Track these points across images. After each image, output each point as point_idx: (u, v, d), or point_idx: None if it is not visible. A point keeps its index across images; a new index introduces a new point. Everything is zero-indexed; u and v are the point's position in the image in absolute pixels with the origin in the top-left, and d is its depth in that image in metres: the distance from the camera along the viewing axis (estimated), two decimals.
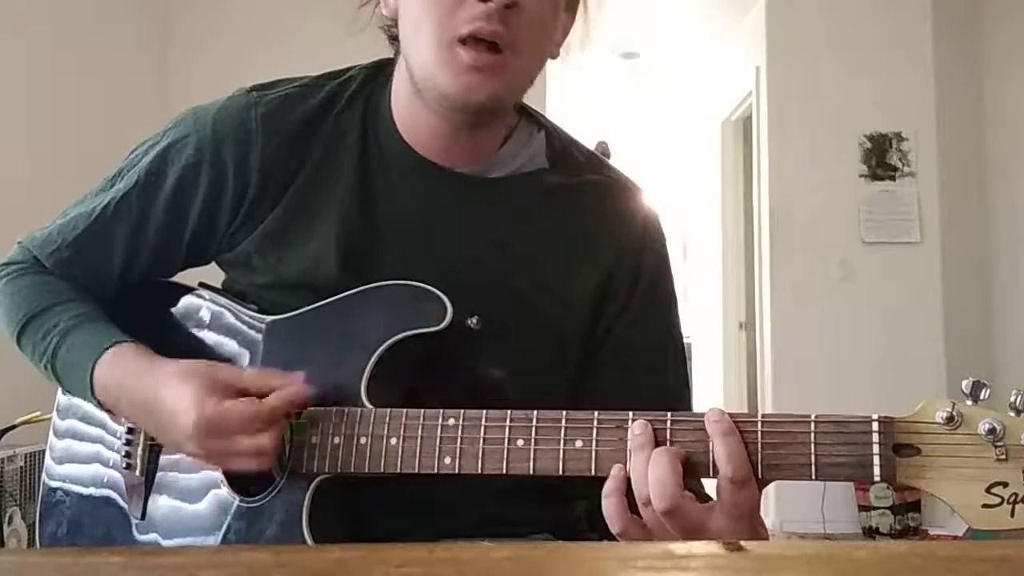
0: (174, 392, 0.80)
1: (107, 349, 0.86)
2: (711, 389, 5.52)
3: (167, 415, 0.80)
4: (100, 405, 0.88)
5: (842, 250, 4.08)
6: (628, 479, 0.69)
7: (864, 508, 3.93)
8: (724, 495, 0.67)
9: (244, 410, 0.78)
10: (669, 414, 0.70)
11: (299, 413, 0.82)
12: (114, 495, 0.95)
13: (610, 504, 0.69)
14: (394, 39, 0.93)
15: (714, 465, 0.67)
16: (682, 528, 0.66)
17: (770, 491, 4.25)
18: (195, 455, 0.81)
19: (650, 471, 0.67)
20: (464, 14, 0.81)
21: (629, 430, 0.69)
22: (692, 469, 0.67)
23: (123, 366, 0.85)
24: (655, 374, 0.93)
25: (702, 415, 0.69)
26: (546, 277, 0.91)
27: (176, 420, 0.79)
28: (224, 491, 0.85)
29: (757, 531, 0.69)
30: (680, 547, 0.54)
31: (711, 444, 0.67)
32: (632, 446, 0.69)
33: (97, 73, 3.51)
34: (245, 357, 0.91)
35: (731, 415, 0.68)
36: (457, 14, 0.81)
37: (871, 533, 3.88)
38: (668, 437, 0.69)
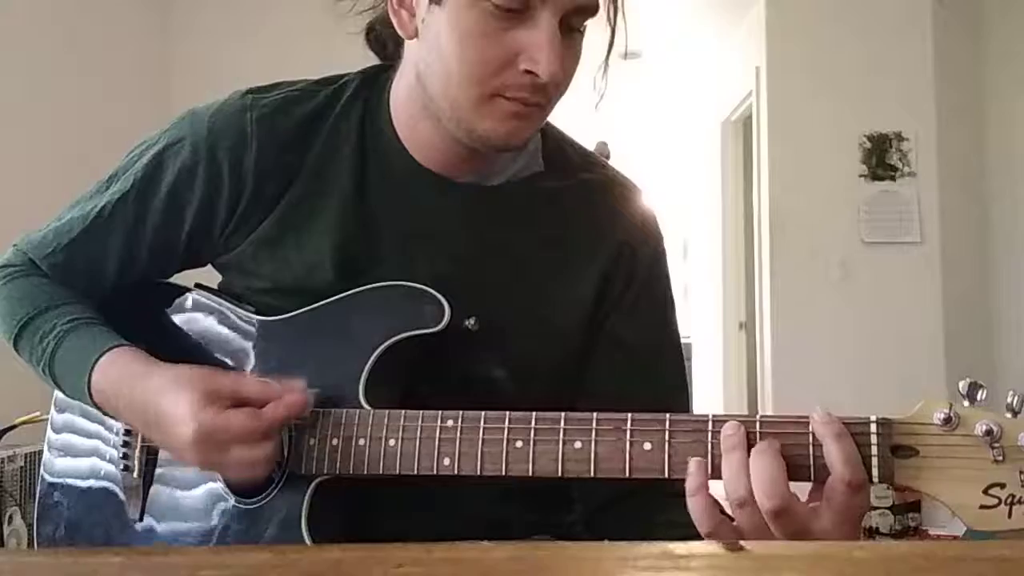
0: (171, 400, 0.78)
1: (104, 353, 0.85)
2: (711, 389, 5.52)
3: (165, 424, 0.79)
4: (99, 409, 0.88)
5: (842, 250, 4.08)
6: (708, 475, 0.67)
7: None
8: (838, 499, 0.65)
9: (242, 422, 0.76)
10: (667, 417, 0.70)
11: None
12: (113, 488, 0.95)
13: (698, 502, 0.67)
14: (384, 46, 0.93)
15: (818, 469, 0.66)
16: (788, 529, 0.64)
17: None
18: (193, 464, 0.81)
19: (755, 470, 0.65)
20: (511, 80, 0.80)
21: (723, 431, 0.67)
22: (792, 472, 0.66)
23: (120, 371, 0.85)
24: (651, 373, 0.93)
25: (700, 417, 0.69)
26: (545, 281, 0.91)
27: (174, 430, 0.78)
28: (222, 492, 0.85)
29: (858, 535, 0.67)
30: (680, 547, 0.54)
31: (813, 448, 0.66)
32: (725, 447, 0.67)
33: (97, 73, 3.51)
34: (242, 358, 0.90)
35: (730, 416, 0.68)
36: (501, 77, 0.80)
37: (871, 533, 3.88)
38: (708, 442, 0.67)
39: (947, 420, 0.64)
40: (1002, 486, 0.63)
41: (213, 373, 0.81)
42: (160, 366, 0.84)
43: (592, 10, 0.82)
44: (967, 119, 4.25)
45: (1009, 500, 0.62)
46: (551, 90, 0.82)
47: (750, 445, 0.67)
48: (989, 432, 0.63)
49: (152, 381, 0.82)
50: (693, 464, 0.67)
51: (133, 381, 0.83)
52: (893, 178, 4.07)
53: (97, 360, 0.85)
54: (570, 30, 0.81)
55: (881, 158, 4.08)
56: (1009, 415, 0.63)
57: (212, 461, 0.78)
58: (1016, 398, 0.63)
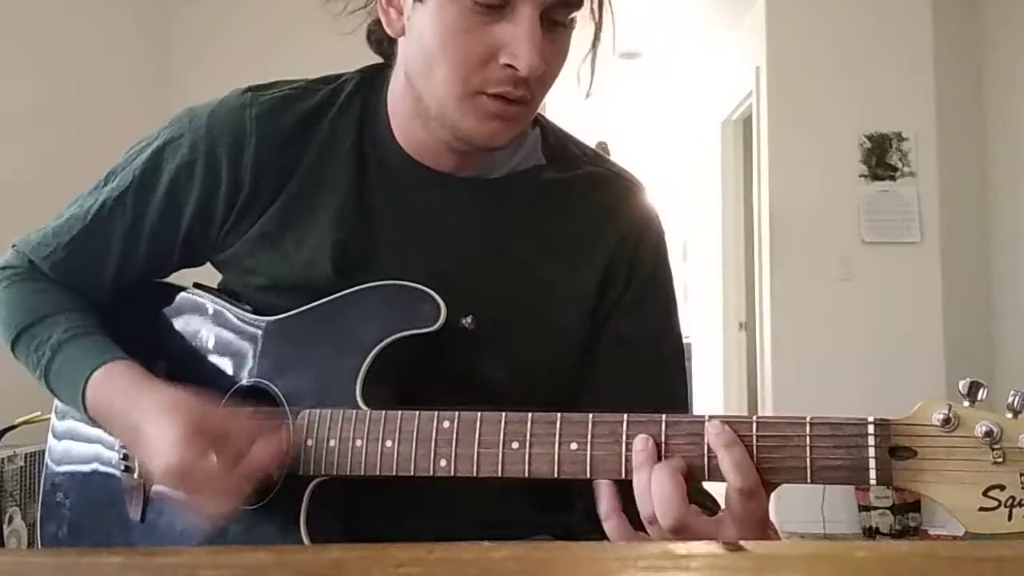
0: (155, 428, 0.78)
1: (97, 369, 0.85)
2: (711, 389, 5.52)
3: (147, 448, 0.79)
4: (93, 422, 0.88)
5: (842, 250, 4.08)
6: (619, 496, 0.69)
7: (864, 508, 3.93)
8: (734, 506, 0.66)
9: (216, 475, 0.76)
10: (663, 418, 0.69)
11: (297, 415, 0.82)
12: (114, 490, 0.95)
13: (612, 527, 0.69)
14: (381, 44, 0.93)
15: (714, 473, 0.67)
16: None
17: None
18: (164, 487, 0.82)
19: (653, 489, 0.66)
20: (492, 75, 0.79)
21: (633, 446, 0.68)
22: (692, 475, 0.67)
23: (112, 387, 0.84)
24: (651, 369, 0.92)
25: (697, 418, 0.69)
26: (545, 275, 0.91)
27: (154, 456, 0.78)
28: None
29: (769, 537, 0.68)
30: (680, 547, 0.54)
31: (708, 455, 0.67)
32: (635, 463, 0.68)
33: (97, 73, 3.51)
34: (239, 358, 0.90)
35: (726, 417, 0.68)
36: (484, 72, 0.79)
37: (871, 533, 3.88)
38: (663, 440, 0.68)
39: (946, 421, 0.63)
40: (1002, 488, 0.62)
41: (204, 406, 0.80)
42: (152, 386, 0.83)
43: (575, 3, 0.81)
44: (967, 119, 4.25)
45: (1009, 502, 0.61)
46: (533, 84, 0.81)
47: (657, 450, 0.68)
48: (989, 433, 0.62)
49: (142, 401, 0.81)
50: (603, 487, 0.69)
51: (124, 399, 0.83)
52: (893, 178, 4.08)
53: (91, 374, 0.85)
54: (554, 24, 0.80)
55: (881, 158, 4.09)
56: (1010, 415, 0.62)
57: (181, 493, 0.79)
58: (1017, 398, 0.62)
